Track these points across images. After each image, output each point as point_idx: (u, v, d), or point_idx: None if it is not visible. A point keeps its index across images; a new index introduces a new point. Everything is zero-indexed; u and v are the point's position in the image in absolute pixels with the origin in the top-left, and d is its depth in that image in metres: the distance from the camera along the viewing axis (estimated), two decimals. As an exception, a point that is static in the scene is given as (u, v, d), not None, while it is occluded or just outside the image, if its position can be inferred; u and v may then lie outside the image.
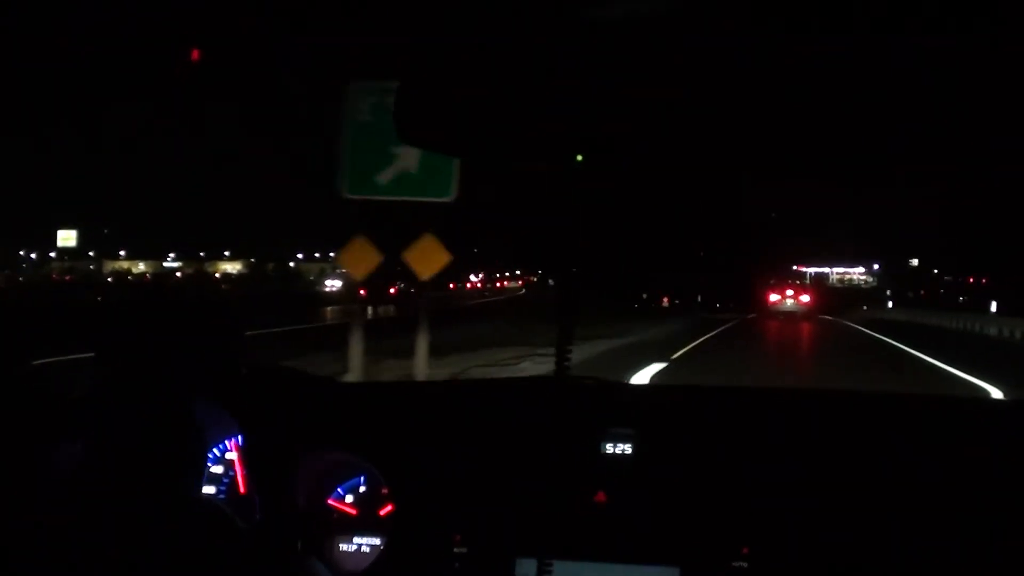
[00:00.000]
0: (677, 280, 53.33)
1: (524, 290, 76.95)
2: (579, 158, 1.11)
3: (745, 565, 1.44)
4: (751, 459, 1.54)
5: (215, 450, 1.78)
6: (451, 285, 67.45)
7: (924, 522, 1.44)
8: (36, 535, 1.50)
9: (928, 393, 4.83)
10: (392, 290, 40.80)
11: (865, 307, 49.96)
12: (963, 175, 1.17)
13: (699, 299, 53.68)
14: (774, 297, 33.61)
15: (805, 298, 33.51)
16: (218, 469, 1.78)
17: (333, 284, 50.24)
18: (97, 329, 1.65)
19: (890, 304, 51.04)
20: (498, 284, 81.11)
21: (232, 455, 1.78)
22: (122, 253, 76.50)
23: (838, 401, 1.88)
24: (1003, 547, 1.41)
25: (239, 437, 1.77)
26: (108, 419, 1.59)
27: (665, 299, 48.50)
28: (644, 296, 48.23)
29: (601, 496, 1.53)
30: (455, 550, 1.53)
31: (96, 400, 1.61)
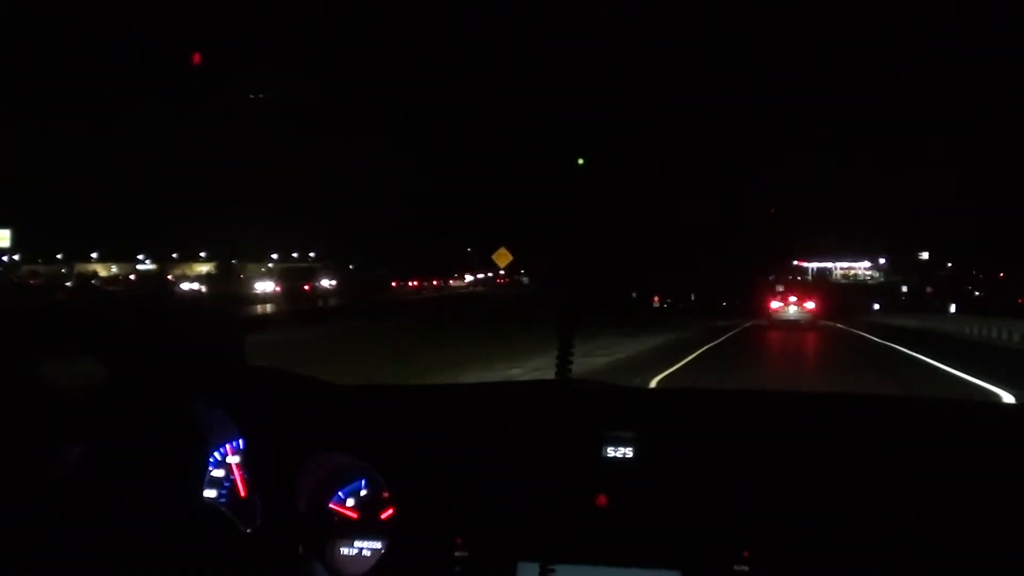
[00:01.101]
0: (671, 279, 53.41)
1: (468, 288, 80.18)
2: (580, 161, 1.21)
3: (746, 569, 1.53)
4: (752, 462, 1.63)
5: (216, 454, 1.88)
6: (393, 284, 72.34)
7: (926, 526, 1.53)
8: (37, 538, 1.58)
9: (932, 397, 4.94)
10: (306, 287, 46.11)
11: (877, 306, 47.72)
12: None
13: (692, 298, 53.86)
14: (775, 304, 33.39)
15: (810, 304, 33.37)
16: (219, 473, 1.88)
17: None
18: (97, 330, 1.74)
19: (952, 308, 43.50)
20: (435, 283, 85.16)
21: (233, 459, 1.88)
22: (94, 255, 75.25)
23: (838, 405, 1.96)
24: (1005, 552, 1.50)
25: (240, 441, 1.87)
26: (109, 421, 1.68)
27: (656, 298, 48.49)
28: (633, 295, 48.16)
29: (602, 499, 1.61)
30: (456, 554, 1.61)
31: (96, 402, 1.69)
